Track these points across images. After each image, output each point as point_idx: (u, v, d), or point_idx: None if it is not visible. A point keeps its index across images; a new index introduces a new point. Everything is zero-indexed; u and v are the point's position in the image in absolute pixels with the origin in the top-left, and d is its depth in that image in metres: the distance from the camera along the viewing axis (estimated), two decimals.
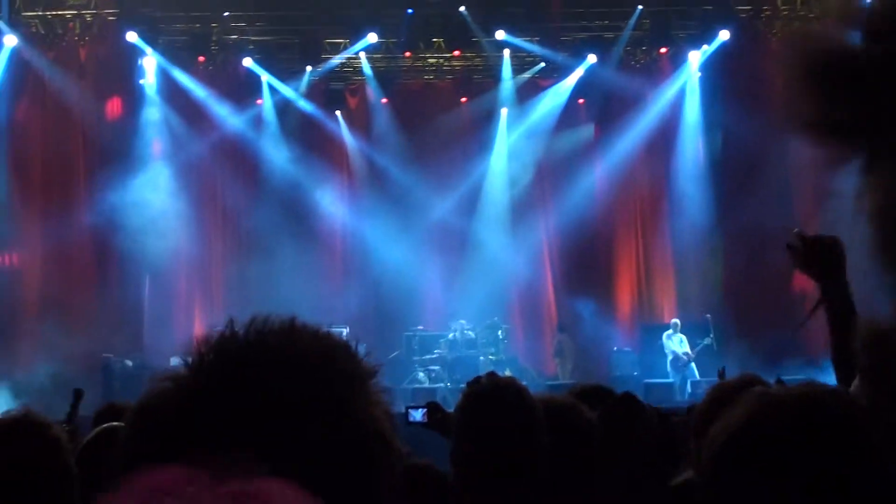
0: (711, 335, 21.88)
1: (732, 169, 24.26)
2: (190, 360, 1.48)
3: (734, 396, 2.25)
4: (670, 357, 21.91)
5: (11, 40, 22.56)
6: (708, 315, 22.57)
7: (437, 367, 22.63)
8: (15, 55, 22.81)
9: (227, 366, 1.46)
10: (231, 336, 1.50)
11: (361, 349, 1.57)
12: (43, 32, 23.33)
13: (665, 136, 25.20)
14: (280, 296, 22.26)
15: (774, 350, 20.76)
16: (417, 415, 6.84)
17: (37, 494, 3.38)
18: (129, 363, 21.30)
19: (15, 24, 22.87)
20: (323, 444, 1.41)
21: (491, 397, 3.73)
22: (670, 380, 21.64)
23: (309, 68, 24.58)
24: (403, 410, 16.93)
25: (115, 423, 4.45)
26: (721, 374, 10.26)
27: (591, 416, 4.12)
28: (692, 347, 21.85)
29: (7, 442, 3.43)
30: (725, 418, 1.98)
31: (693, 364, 21.67)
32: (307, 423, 1.41)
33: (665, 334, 22.23)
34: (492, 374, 3.97)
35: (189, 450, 1.32)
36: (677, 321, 22.43)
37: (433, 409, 6.17)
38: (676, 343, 21.99)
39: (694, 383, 21.09)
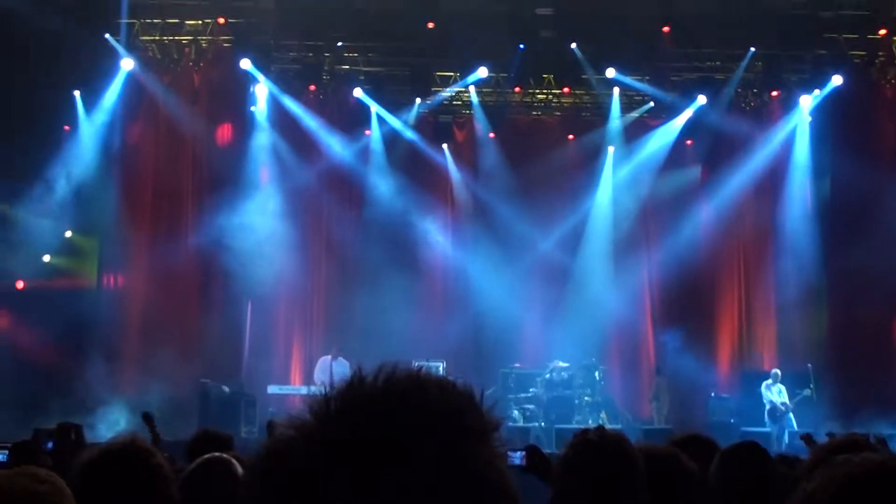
0: (812, 386, 22.76)
1: (840, 215, 25.23)
2: (316, 407, 1.52)
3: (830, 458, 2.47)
4: (768, 407, 22.53)
5: (128, 64, 24.67)
6: (809, 364, 23.43)
7: (531, 406, 23.72)
8: (131, 79, 24.87)
9: (355, 416, 1.49)
10: (359, 384, 1.53)
11: (485, 400, 1.58)
12: (159, 57, 25.40)
13: (773, 180, 26.32)
14: (380, 326, 24.18)
15: (879, 403, 21.97)
16: (516, 458, 6.97)
17: None
18: (227, 389, 22.90)
19: (132, 48, 24.94)
20: (447, 496, 1.45)
21: (597, 450, 3.97)
22: (767, 429, 22.19)
23: (418, 100, 26.35)
24: None
25: (218, 455, 4.75)
26: (808, 439, 10.43)
27: (690, 465, 4.37)
28: (791, 398, 22.59)
29: (114, 468, 3.78)
30: (801, 487, 2.05)
31: (791, 414, 22.35)
32: (435, 478, 1.44)
33: (764, 384, 22.81)
34: (601, 429, 4.22)
35: (313, 497, 1.43)
36: (777, 371, 23.05)
37: (532, 452, 6.13)
38: (775, 393, 22.62)
39: (791, 434, 21.47)
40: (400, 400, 1.52)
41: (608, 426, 18.40)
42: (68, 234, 25.09)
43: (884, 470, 1.94)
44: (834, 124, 25.70)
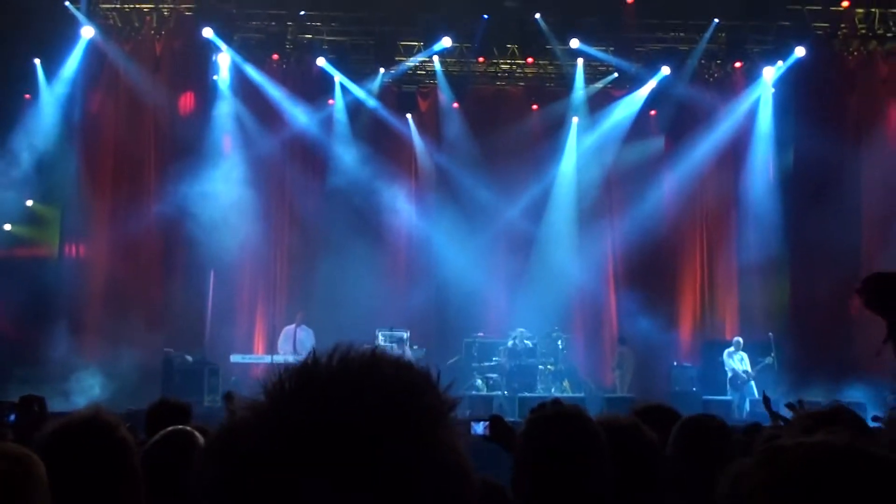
0: (773, 354, 22.97)
1: (802, 186, 25.46)
2: (271, 387, 1.51)
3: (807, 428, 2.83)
4: (730, 375, 22.95)
5: (88, 32, 24.47)
6: (771, 333, 23.61)
7: (495, 375, 23.99)
8: (91, 47, 24.73)
9: (309, 396, 1.49)
10: (313, 364, 1.53)
11: (442, 380, 1.59)
12: (120, 25, 25.23)
13: (736, 151, 26.62)
14: (343, 295, 24.54)
15: (835, 372, 22.41)
16: (479, 428, 6.92)
17: (103, 494, 3.68)
18: (190, 359, 22.95)
19: (93, 16, 24.74)
20: (404, 477, 1.45)
21: (554, 424, 4.00)
22: (729, 397, 22.78)
23: (382, 70, 26.36)
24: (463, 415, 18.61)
25: (180, 427, 4.78)
26: (766, 401, 9.96)
27: (651, 436, 4.38)
28: (753, 366, 22.92)
29: (77, 442, 3.71)
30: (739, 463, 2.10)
31: (753, 383, 22.66)
32: (388, 456, 1.45)
33: (726, 352, 23.21)
34: (556, 403, 4.29)
35: (267, 479, 1.43)
36: (740, 339, 23.46)
37: (496, 422, 6.15)
38: (737, 361, 22.98)
39: (753, 402, 21.78)
40: (355, 381, 1.52)
41: (571, 395, 18.52)
42: (29, 203, 24.95)
43: (812, 448, 1.96)
44: (797, 96, 25.95)
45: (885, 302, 5.07)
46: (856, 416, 5.03)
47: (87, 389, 21.15)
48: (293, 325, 23.72)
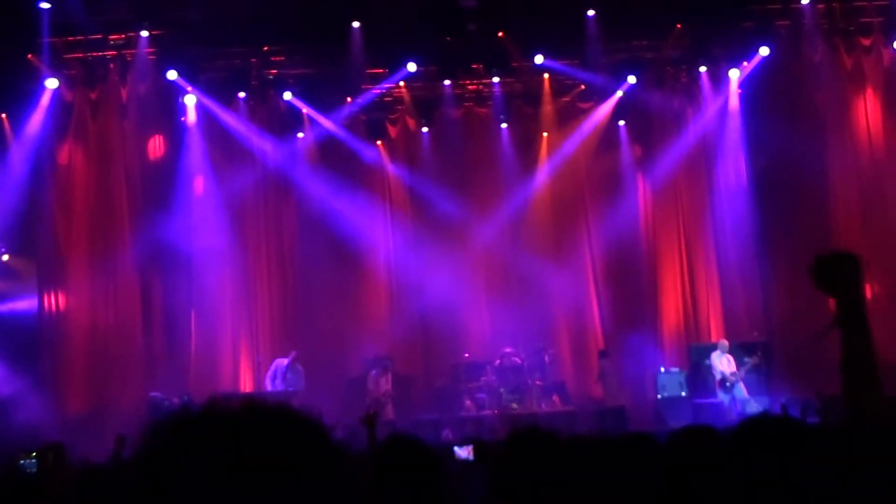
0: (759, 354, 23.65)
1: (776, 183, 26.14)
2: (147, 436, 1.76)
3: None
4: (718, 377, 23.32)
5: (53, 83, 25.08)
6: (755, 333, 24.73)
7: (483, 395, 24.79)
8: (56, 98, 25.27)
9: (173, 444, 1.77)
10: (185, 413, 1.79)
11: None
12: (84, 74, 25.80)
13: (707, 155, 27.36)
14: (325, 329, 25.54)
15: (821, 367, 23.26)
16: (464, 452, 7.56)
17: None
18: (176, 401, 23.01)
19: (56, 67, 25.25)
20: None
21: (530, 447, 4.29)
22: (720, 400, 23.20)
23: (349, 99, 27.05)
24: (450, 438, 18.79)
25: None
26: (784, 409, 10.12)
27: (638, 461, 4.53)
28: (739, 367, 23.38)
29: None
30: None
31: (741, 384, 23.18)
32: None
33: (713, 354, 23.61)
34: (534, 428, 4.55)
35: None
36: (725, 342, 23.93)
37: (479, 447, 6.47)
38: (725, 363, 23.37)
39: (742, 402, 22.72)
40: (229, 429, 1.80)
41: (561, 409, 19.35)
42: (5, 257, 25.64)
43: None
44: (764, 96, 26.47)
45: (833, 281, 5.51)
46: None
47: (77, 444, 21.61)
48: (286, 360, 24.36)
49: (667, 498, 4.29)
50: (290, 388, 23.69)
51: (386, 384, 24.36)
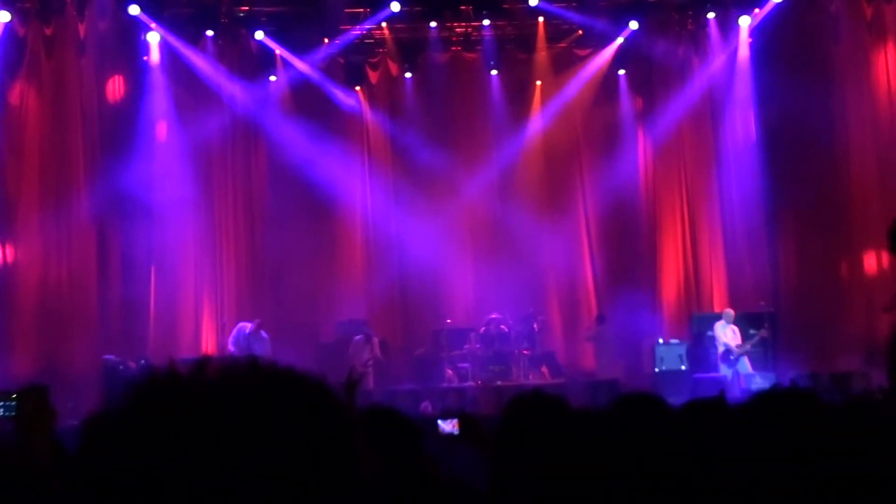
0: (766, 325, 23.00)
1: (786, 141, 25.39)
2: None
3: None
4: (721, 350, 22.79)
5: (4, 16, 23.74)
6: (762, 303, 23.88)
7: (466, 365, 24.32)
8: (9, 33, 24.01)
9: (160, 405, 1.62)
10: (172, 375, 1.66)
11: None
12: (38, 7, 24.43)
13: (713, 108, 26.58)
14: (297, 286, 24.92)
15: (832, 340, 22.66)
16: (448, 426, 7.20)
17: None
18: (133, 365, 22.49)
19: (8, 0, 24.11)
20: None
21: (534, 415, 4.08)
22: (722, 374, 22.58)
23: (326, 41, 26.32)
24: (429, 411, 18.12)
25: None
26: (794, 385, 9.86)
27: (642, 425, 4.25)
28: (745, 339, 22.83)
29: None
30: None
31: (745, 357, 22.69)
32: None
33: (717, 325, 23.06)
34: (537, 392, 4.32)
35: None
36: (730, 311, 23.33)
37: (465, 421, 6.34)
38: (729, 334, 22.79)
39: (746, 377, 22.23)
40: (218, 393, 1.65)
41: (550, 381, 18.86)
42: None
43: None
44: (776, 46, 25.67)
45: None
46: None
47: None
48: (249, 325, 23.51)
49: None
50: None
51: (369, 352, 23.87)
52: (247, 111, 26.35)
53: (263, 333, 23.31)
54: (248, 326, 23.50)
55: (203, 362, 1.70)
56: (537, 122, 27.48)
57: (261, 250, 26.30)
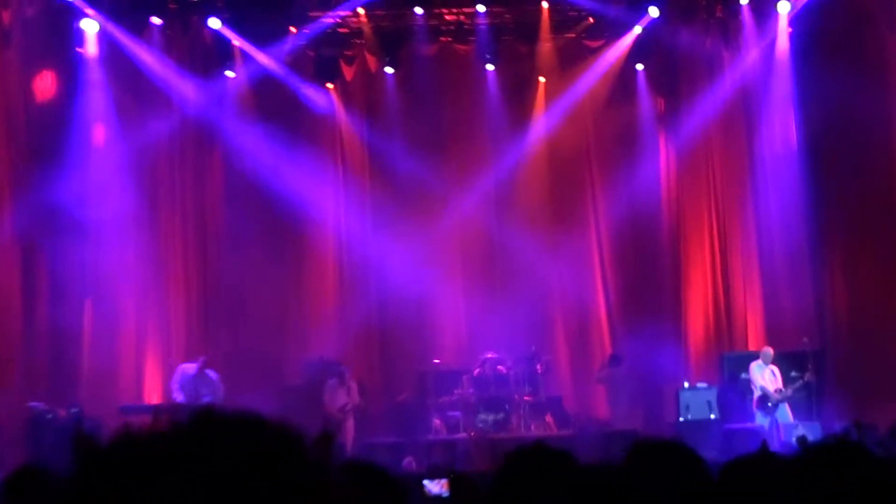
0: (810, 366, 22.43)
1: (835, 149, 25.07)
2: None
3: None
4: (758, 394, 22.31)
5: None
6: (806, 340, 23.11)
7: (457, 413, 23.93)
8: None
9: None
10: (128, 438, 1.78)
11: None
12: None
13: (747, 110, 26.26)
14: (257, 321, 24.84)
15: (886, 387, 22.30)
16: (435, 487, 7.47)
17: None
18: (63, 414, 22.03)
19: None
20: None
21: (537, 473, 4.05)
22: (759, 424, 22.14)
23: (293, 30, 25.94)
24: (413, 468, 18.18)
25: None
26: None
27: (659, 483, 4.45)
28: (787, 384, 22.33)
29: None
30: None
31: (786, 404, 22.23)
32: None
33: (753, 365, 22.51)
34: (539, 446, 4.28)
35: None
36: (769, 350, 22.77)
37: (456, 481, 6.58)
38: (768, 377, 22.30)
39: (787, 428, 21.61)
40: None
41: (555, 433, 18.81)
42: None
43: None
44: (821, 35, 25.31)
45: None
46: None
47: None
48: (193, 366, 23.13)
49: None
50: (204, 399, 22.49)
51: (344, 396, 23.54)
52: (199, 112, 25.87)
53: (211, 374, 22.84)
54: (192, 367, 23.07)
55: (155, 421, 1.82)
56: (540, 125, 27.13)
57: (215, 275, 25.96)
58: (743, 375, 23.11)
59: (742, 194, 26.48)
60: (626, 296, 26.66)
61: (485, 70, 27.21)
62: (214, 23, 25.57)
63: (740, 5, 26.12)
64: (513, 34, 27.21)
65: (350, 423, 23.36)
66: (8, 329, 23.25)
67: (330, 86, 27.08)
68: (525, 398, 24.12)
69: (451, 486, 7.49)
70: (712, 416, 23.48)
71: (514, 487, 4.04)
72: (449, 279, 26.32)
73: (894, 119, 24.57)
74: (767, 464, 4.77)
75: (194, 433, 1.79)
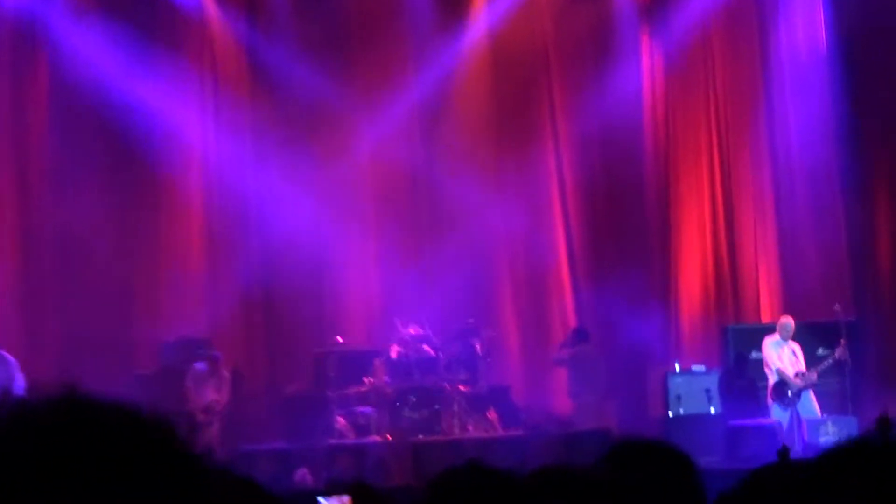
0: (843, 342, 21.83)
1: (876, 55, 24.74)
2: None
3: None
4: (774, 379, 21.69)
5: None
6: (837, 307, 22.49)
7: (368, 409, 22.92)
8: None
9: None
10: None
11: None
12: None
13: (760, 4, 26.05)
14: (98, 286, 23.89)
15: None
16: None
17: None
18: None
19: None
20: None
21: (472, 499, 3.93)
22: (774, 419, 21.65)
23: None
24: (308, 483, 16.98)
25: None
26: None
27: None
28: (811, 364, 21.74)
29: None
30: None
31: (810, 392, 21.67)
32: None
33: (768, 342, 21.90)
34: (473, 465, 4.08)
35: None
36: (789, 321, 22.05)
37: (361, 493, 6.86)
38: (786, 357, 21.67)
39: (811, 424, 21.25)
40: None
41: (501, 433, 17.48)
42: None
43: None
44: None
45: None
46: None
47: None
48: None
49: None
50: None
51: (212, 391, 22.60)
52: (20, 8, 24.75)
53: (5, 355, 21.13)
54: None
55: None
56: (481, 23, 26.45)
57: (40, 224, 24.83)
58: (753, 355, 22.69)
59: (753, 115, 26.08)
60: (595, 249, 25.98)
61: None
62: None
63: None
64: None
65: (216, 429, 22.58)
66: None
67: None
68: (460, 388, 22.96)
69: (355, 500, 7.54)
70: (711, 411, 23.33)
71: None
72: (357, 231, 25.66)
73: None
74: (788, 477, 4.63)
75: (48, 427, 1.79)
